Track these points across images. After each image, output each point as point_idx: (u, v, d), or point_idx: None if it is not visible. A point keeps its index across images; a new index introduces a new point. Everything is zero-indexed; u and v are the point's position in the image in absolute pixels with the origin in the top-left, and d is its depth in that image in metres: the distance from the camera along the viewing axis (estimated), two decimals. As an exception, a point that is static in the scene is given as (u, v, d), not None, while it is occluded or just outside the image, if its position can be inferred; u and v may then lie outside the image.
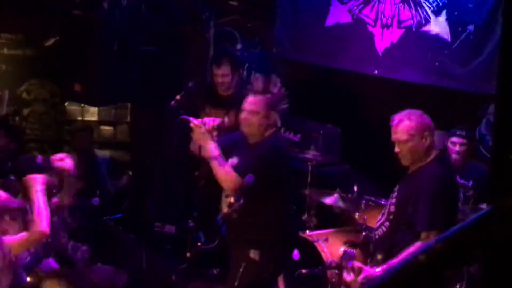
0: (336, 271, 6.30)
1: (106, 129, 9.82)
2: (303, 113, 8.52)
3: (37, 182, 5.20)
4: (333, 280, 6.33)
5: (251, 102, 5.69)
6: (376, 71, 7.85)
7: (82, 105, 9.76)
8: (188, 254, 5.67)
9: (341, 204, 6.94)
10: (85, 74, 9.41)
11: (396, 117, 5.30)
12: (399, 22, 7.65)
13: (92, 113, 9.82)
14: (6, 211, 5.41)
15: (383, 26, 7.78)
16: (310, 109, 8.61)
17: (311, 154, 7.63)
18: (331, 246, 6.55)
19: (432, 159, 5.28)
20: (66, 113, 9.93)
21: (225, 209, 5.40)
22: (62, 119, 9.91)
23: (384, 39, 7.77)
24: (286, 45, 8.79)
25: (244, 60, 8.72)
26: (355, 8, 8.01)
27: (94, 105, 9.71)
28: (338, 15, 8.17)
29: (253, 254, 5.59)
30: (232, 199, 5.33)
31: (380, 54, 7.80)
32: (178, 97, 7.06)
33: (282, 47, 8.82)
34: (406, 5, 7.57)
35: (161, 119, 8.58)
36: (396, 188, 5.42)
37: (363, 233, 6.64)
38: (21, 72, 10.09)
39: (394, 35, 7.70)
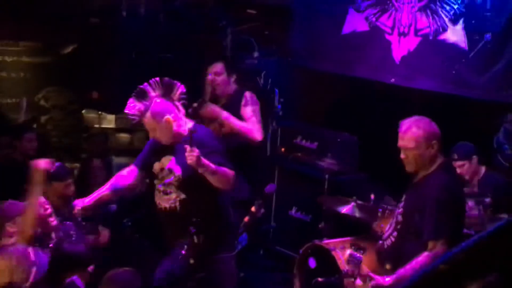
0: (353, 279, 6.28)
1: (123, 136, 9.85)
2: (320, 122, 8.53)
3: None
4: (349, 289, 6.32)
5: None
6: (393, 79, 7.83)
7: (100, 112, 9.81)
8: (191, 261, 5.67)
9: (357, 212, 6.92)
10: (103, 82, 9.48)
11: (404, 124, 5.28)
12: (416, 30, 7.64)
13: (109, 121, 9.86)
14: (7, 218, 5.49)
15: (400, 34, 7.77)
16: (327, 118, 8.62)
17: (327, 162, 7.63)
18: (348, 255, 6.53)
19: (437, 167, 5.25)
20: (83, 120, 9.98)
21: (246, 218, 5.42)
22: (79, 126, 9.96)
23: (401, 47, 7.76)
24: (302, 53, 8.79)
25: (261, 68, 8.74)
26: (372, 16, 8.00)
27: (111, 113, 9.74)
28: (355, 23, 8.17)
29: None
30: (253, 208, 5.37)
31: (397, 62, 7.79)
32: (195, 104, 7.08)
33: (298, 55, 8.83)
34: (423, 13, 7.57)
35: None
36: (403, 198, 5.41)
37: (380, 242, 6.63)
38: (39, 80, 10.17)
39: (411, 43, 7.69)
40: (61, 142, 10.09)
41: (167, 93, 5.63)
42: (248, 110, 7.08)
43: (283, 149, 8.47)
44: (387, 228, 5.44)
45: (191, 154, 5.34)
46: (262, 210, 5.50)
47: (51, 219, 5.67)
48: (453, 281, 2.02)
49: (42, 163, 5.41)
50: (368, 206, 6.91)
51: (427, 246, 5.07)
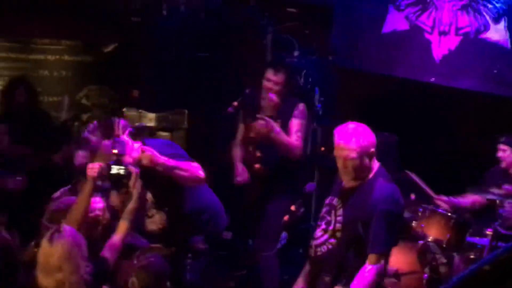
0: (394, 279, 6.27)
1: (163, 135, 9.88)
2: (359, 121, 8.50)
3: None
4: (390, 288, 6.30)
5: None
6: (433, 79, 7.80)
7: (140, 110, 9.86)
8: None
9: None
10: (143, 80, 9.53)
11: (343, 133, 5.11)
12: (457, 29, 7.61)
13: (149, 119, 9.90)
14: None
15: (441, 33, 7.74)
16: (366, 117, 8.58)
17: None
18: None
19: (375, 175, 5.10)
20: (124, 119, 10.03)
21: (286, 217, 5.43)
22: (120, 124, 10.02)
23: (442, 46, 7.73)
24: (342, 52, 8.78)
25: (301, 67, 8.74)
26: (412, 15, 7.98)
27: (152, 111, 9.80)
28: (395, 22, 8.14)
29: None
30: (293, 207, 5.39)
31: (437, 62, 7.75)
32: (235, 103, 7.10)
33: (338, 54, 8.82)
34: (464, 12, 7.53)
35: (218, 125, 8.65)
36: (338, 204, 5.16)
37: (420, 242, 6.61)
38: (80, 78, 10.25)
39: (451, 42, 7.66)
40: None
41: (108, 132, 5.65)
42: (296, 124, 7.05)
43: (322, 148, 8.46)
44: (319, 234, 5.18)
45: (143, 155, 5.47)
46: (302, 209, 5.50)
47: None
48: (497, 282, 2.02)
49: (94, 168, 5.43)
50: (408, 205, 6.89)
51: (370, 258, 4.91)
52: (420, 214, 6.81)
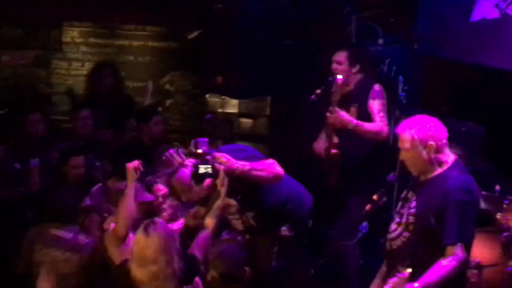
0: (476, 271, 6.16)
1: (246, 121, 9.90)
2: (445, 110, 8.38)
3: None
4: (473, 280, 6.20)
5: None
6: (523, 68, 7.64)
7: (223, 97, 9.89)
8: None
9: (482, 203, 6.77)
10: (227, 67, 9.55)
11: (402, 124, 5.13)
12: (548, 18, 7.43)
13: (232, 105, 9.92)
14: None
15: (532, 22, 7.57)
16: (452, 106, 8.47)
17: (452, 151, 7.47)
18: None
19: (449, 167, 5.05)
20: (207, 105, 10.08)
21: (368, 207, 5.39)
22: (203, 110, 10.07)
23: (532, 36, 7.56)
24: (428, 40, 8.65)
25: (385, 55, 8.64)
26: (503, 3, 7.82)
27: (235, 98, 9.81)
28: (484, 11, 7.99)
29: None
30: (375, 196, 5.35)
31: (528, 51, 7.59)
32: (318, 91, 7.08)
33: (424, 42, 8.69)
34: (557, -1, 7.35)
35: (300, 113, 8.62)
36: (411, 196, 5.15)
37: (504, 234, 6.48)
38: (164, 64, 10.34)
39: (542, 31, 7.49)
40: (185, 126, 10.23)
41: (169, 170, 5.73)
42: (376, 104, 7.02)
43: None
44: (393, 228, 5.18)
45: (220, 160, 5.53)
46: (384, 199, 5.45)
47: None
48: None
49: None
50: (493, 197, 6.78)
51: (447, 250, 4.84)
52: (505, 206, 6.67)
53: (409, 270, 4.85)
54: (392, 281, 4.76)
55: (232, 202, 5.82)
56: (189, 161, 5.65)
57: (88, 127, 8.12)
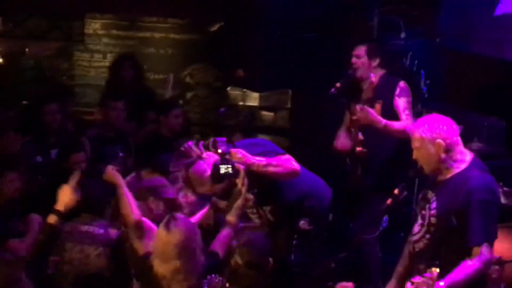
0: (497, 266, 6.12)
1: (267, 114, 9.89)
2: (466, 105, 8.35)
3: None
4: (494, 276, 6.16)
5: None
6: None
7: (244, 90, 9.89)
8: None
9: (503, 199, 6.74)
10: (248, 60, 9.55)
11: (415, 124, 5.10)
12: None
13: (253, 98, 9.92)
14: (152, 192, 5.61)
15: (556, 17, 7.51)
16: (474, 101, 8.43)
17: (473, 146, 7.44)
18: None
19: (468, 166, 4.97)
20: (228, 98, 10.09)
21: (388, 201, 5.37)
22: (223, 103, 10.08)
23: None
24: (451, 34, 8.60)
25: (407, 49, 8.61)
26: (527, -3, 7.77)
27: (256, 90, 9.81)
28: (508, 5, 7.93)
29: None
30: (396, 190, 5.33)
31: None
32: (338, 84, 7.06)
33: (447, 36, 8.64)
34: None
35: (321, 106, 8.60)
36: (431, 197, 5.08)
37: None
38: (185, 56, 10.37)
39: None
40: (205, 119, 10.25)
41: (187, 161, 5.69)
42: (402, 102, 6.98)
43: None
44: (417, 230, 5.12)
45: (235, 156, 5.49)
46: (405, 193, 5.43)
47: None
48: None
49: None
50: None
51: (473, 251, 4.79)
52: (528, 201, 6.64)
53: (437, 270, 4.85)
54: (416, 280, 4.73)
55: (249, 196, 5.81)
56: (207, 154, 5.63)
57: (120, 117, 8.12)
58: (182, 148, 5.79)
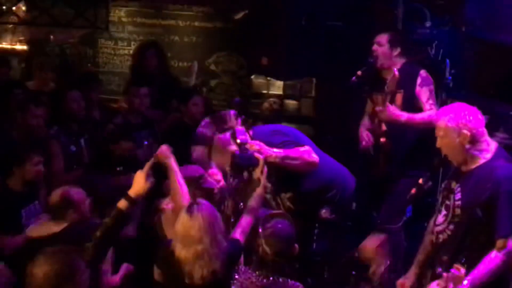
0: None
1: (291, 103, 9.89)
2: (492, 94, 8.28)
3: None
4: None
5: None
6: None
7: (268, 78, 9.88)
8: None
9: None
10: (272, 48, 9.54)
11: (440, 111, 5.07)
12: None
13: (277, 87, 9.93)
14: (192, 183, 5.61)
15: None
16: (500, 90, 8.35)
17: (499, 136, 7.38)
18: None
19: (493, 156, 4.93)
20: (252, 86, 10.09)
21: (413, 190, 5.34)
22: (248, 92, 10.08)
23: None
24: (477, 23, 8.52)
25: (432, 38, 8.55)
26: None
27: (280, 79, 9.80)
28: (535, -7, 7.86)
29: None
30: (421, 180, 5.30)
31: None
32: (359, 72, 7.01)
33: (473, 25, 8.57)
34: None
35: (346, 95, 8.58)
36: (455, 187, 5.05)
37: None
38: (210, 44, 10.37)
39: None
40: (229, 107, 10.24)
41: (221, 126, 5.64)
42: (425, 92, 6.91)
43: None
44: (441, 221, 5.09)
45: (252, 148, 5.49)
46: (430, 183, 5.40)
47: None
48: None
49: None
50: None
51: (499, 243, 4.75)
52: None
53: (445, 257, 4.84)
54: (445, 275, 4.71)
55: (267, 184, 5.80)
56: (240, 129, 5.62)
57: (144, 104, 8.12)
58: (221, 113, 5.80)
